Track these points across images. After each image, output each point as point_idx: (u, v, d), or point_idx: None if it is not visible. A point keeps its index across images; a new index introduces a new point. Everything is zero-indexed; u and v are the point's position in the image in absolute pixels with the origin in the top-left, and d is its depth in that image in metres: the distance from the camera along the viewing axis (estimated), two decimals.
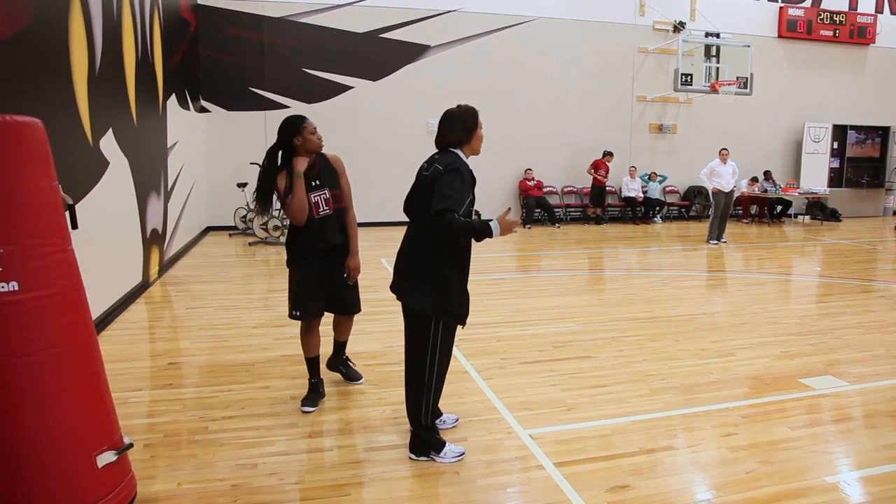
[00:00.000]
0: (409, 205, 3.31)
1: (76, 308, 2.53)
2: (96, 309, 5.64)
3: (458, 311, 3.13)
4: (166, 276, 8.08)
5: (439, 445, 3.20)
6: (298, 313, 3.85)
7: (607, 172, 13.98)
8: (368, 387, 4.17)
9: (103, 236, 5.93)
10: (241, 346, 5.12)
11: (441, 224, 2.87)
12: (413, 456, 3.19)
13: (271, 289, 7.61)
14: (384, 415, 3.75)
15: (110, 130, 6.19)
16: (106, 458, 2.51)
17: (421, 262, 3.07)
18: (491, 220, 2.97)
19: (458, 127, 3.11)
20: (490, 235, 2.93)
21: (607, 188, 14.20)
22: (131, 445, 2.68)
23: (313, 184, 3.73)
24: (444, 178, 2.95)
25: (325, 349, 4.12)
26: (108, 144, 6.14)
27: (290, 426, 3.59)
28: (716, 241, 11.03)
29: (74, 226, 2.66)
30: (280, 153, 3.74)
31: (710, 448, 3.30)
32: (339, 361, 4.25)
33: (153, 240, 7.89)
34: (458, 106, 3.19)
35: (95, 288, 5.63)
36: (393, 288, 3.23)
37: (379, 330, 5.39)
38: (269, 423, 3.63)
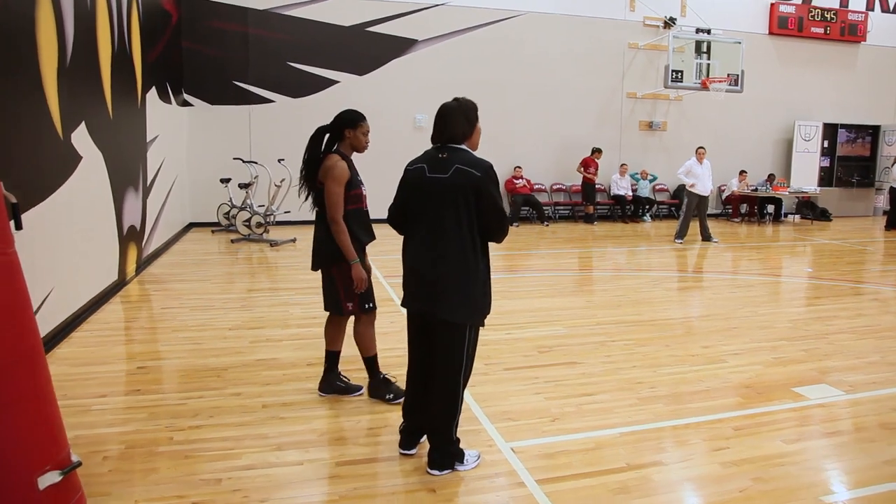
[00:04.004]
0: (404, 211, 3.09)
1: (18, 317, 2.33)
2: (67, 308, 5.43)
3: (488, 310, 3.02)
4: (144, 274, 7.86)
5: (462, 455, 3.06)
6: (372, 304, 3.78)
7: (597, 169, 13.82)
8: (344, 395, 3.98)
9: (75, 233, 5.70)
10: (215, 349, 4.92)
11: (503, 231, 2.95)
12: (436, 472, 2.99)
13: (252, 288, 7.41)
14: (359, 426, 3.56)
15: (83, 124, 5.95)
16: (49, 478, 2.32)
17: (462, 271, 2.88)
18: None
19: (462, 121, 2.95)
20: None
21: (597, 186, 14.03)
22: (79, 464, 2.48)
23: (358, 178, 3.75)
24: (490, 188, 2.88)
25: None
26: (81, 138, 5.90)
27: (259, 437, 3.40)
28: (681, 240, 10.95)
29: (18, 226, 2.46)
30: (326, 137, 3.73)
31: (701, 463, 3.14)
32: (337, 377, 4.02)
33: (130, 237, 7.66)
34: (456, 99, 3.02)
35: (66, 286, 5.42)
36: (422, 306, 2.98)
37: None
38: (237, 434, 3.43)
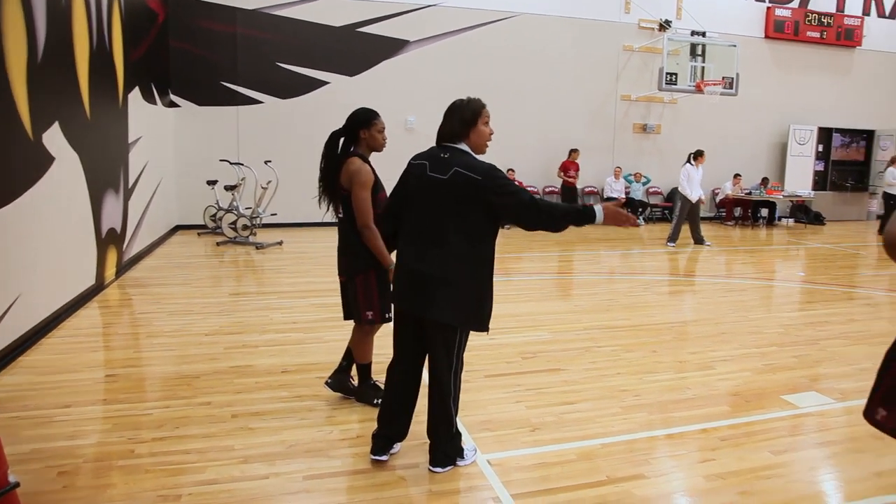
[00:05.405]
0: (400, 205, 3.01)
1: None
2: (37, 315, 5.25)
3: (486, 316, 2.92)
4: (125, 278, 7.69)
5: (461, 450, 3.07)
6: (390, 314, 3.62)
7: (577, 171, 13.69)
8: (317, 403, 3.83)
9: (46, 236, 5.53)
10: (189, 355, 4.76)
11: (542, 214, 2.77)
12: (439, 469, 2.99)
13: (236, 292, 7.25)
14: (331, 436, 3.41)
15: (56, 124, 5.79)
16: None
17: (453, 273, 2.79)
18: (595, 205, 2.82)
19: (455, 120, 2.90)
20: (592, 221, 2.79)
21: (587, 189, 13.89)
22: (17, 485, 2.31)
23: (380, 182, 3.62)
24: (501, 184, 2.78)
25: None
26: (54, 138, 5.74)
27: (224, 449, 3.24)
28: (673, 244, 10.89)
29: None
30: (342, 140, 3.62)
31: (684, 476, 3.00)
32: (349, 377, 3.92)
33: (110, 239, 7.49)
34: (467, 98, 2.95)
35: (36, 292, 5.25)
36: (412, 306, 2.88)
37: (336, 339, 5.03)
38: (202, 446, 3.28)
